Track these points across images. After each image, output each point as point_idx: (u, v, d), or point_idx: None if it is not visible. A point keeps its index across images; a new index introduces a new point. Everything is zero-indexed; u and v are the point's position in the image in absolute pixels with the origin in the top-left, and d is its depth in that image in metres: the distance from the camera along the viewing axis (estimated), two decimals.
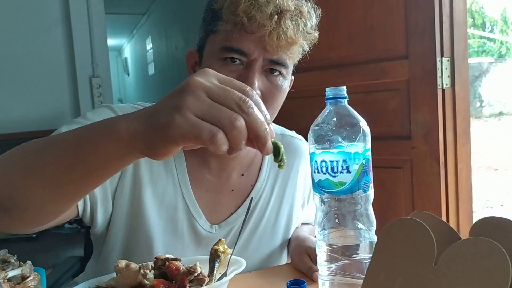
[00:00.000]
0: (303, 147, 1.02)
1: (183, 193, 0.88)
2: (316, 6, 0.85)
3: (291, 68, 0.85)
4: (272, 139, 0.52)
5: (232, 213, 0.92)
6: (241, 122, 0.47)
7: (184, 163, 0.89)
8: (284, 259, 1.00)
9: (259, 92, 0.79)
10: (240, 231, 0.85)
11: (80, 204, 0.80)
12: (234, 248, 0.77)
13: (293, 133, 1.06)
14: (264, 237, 0.95)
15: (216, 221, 0.91)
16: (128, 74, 11.20)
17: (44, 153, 0.58)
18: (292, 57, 0.82)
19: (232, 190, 0.93)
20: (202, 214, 0.89)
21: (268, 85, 0.82)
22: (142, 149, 0.51)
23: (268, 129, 0.50)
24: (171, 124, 0.47)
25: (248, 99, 0.49)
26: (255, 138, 0.49)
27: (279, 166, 0.56)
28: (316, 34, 0.84)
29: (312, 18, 0.83)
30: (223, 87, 0.49)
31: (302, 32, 0.79)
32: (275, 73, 0.82)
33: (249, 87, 0.51)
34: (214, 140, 0.46)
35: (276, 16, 0.76)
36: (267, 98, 0.81)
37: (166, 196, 0.87)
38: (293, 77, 0.91)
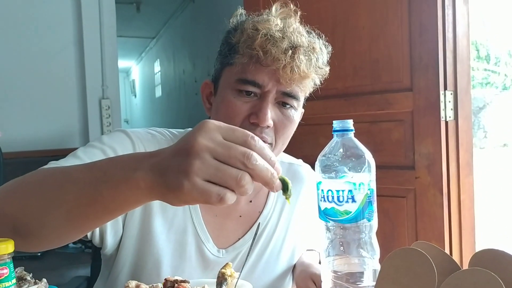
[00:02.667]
0: (309, 175, 1.05)
1: (192, 217, 0.90)
2: (327, 43, 0.89)
3: (302, 100, 0.89)
4: (280, 176, 0.55)
5: (239, 239, 0.94)
6: (246, 180, 0.51)
7: None
8: (289, 285, 1.01)
9: (271, 122, 0.82)
10: (247, 255, 0.87)
11: None
12: (241, 272, 0.79)
13: (299, 161, 1.09)
14: (270, 263, 0.96)
15: (224, 245, 0.93)
16: (135, 96, 11.33)
17: (63, 190, 0.60)
18: (304, 90, 0.86)
19: (240, 216, 0.95)
20: (210, 238, 0.91)
21: (280, 117, 0.85)
22: (160, 198, 0.55)
23: (274, 173, 0.53)
24: (181, 189, 0.50)
25: (251, 153, 0.51)
26: (263, 184, 0.53)
27: (287, 199, 0.59)
28: (327, 69, 0.88)
29: (323, 53, 0.87)
30: (227, 144, 0.51)
31: (314, 67, 0.83)
32: (287, 106, 0.85)
33: (251, 135, 0.53)
34: (222, 200, 0.51)
35: (290, 51, 0.80)
36: (278, 128, 0.84)
37: (176, 219, 0.89)
38: (303, 110, 0.95)
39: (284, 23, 0.83)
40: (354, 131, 0.71)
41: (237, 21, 0.88)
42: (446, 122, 1.75)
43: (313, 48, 0.84)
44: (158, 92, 8.59)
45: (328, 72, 0.88)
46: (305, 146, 1.82)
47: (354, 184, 0.67)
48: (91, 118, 2.87)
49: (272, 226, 0.97)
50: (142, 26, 6.84)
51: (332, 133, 0.72)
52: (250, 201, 0.96)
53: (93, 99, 2.89)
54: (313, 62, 0.83)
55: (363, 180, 0.68)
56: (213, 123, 0.53)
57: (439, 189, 1.73)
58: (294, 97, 0.85)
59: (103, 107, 2.90)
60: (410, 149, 1.81)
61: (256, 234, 0.90)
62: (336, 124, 0.71)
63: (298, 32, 0.83)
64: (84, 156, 0.79)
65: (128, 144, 0.85)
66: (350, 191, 0.67)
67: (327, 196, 0.69)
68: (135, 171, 0.54)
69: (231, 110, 0.83)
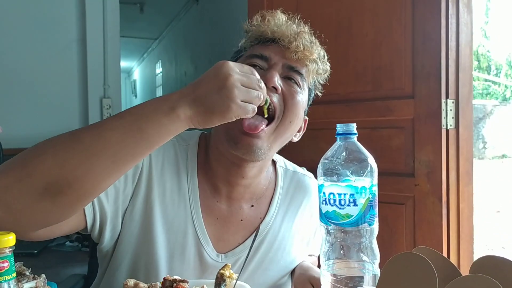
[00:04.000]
0: (312, 185, 1.04)
1: (193, 219, 0.89)
2: (325, 53, 0.95)
3: (306, 88, 0.91)
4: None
5: (239, 244, 0.93)
6: (261, 96, 0.73)
7: (197, 189, 0.90)
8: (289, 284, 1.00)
9: (278, 85, 0.86)
10: (247, 255, 0.87)
11: (89, 218, 0.82)
12: (240, 274, 0.78)
13: (303, 170, 1.08)
14: (269, 270, 0.95)
15: (223, 250, 0.92)
16: (136, 96, 11.34)
17: (104, 139, 0.66)
18: (308, 72, 0.90)
19: (241, 220, 0.94)
20: (210, 242, 0.90)
21: (287, 87, 0.88)
22: (197, 124, 0.70)
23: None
24: (229, 110, 0.68)
25: (260, 79, 0.73)
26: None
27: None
28: (328, 67, 0.94)
29: (325, 56, 0.94)
30: (246, 75, 0.71)
31: (317, 51, 0.90)
32: (292, 81, 0.89)
33: (252, 68, 0.74)
34: (254, 111, 0.72)
35: (295, 29, 0.89)
36: (287, 97, 0.87)
37: (176, 221, 0.88)
38: (306, 118, 0.97)
39: (289, 19, 0.93)
40: (357, 135, 0.71)
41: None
42: (447, 131, 1.75)
43: (315, 42, 0.91)
44: (159, 93, 8.60)
45: (328, 70, 0.94)
46: (306, 151, 1.82)
47: (356, 188, 0.67)
48: (92, 117, 2.87)
49: (273, 234, 0.96)
50: (145, 27, 6.85)
51: (336, 136, 0.72)
52: (252, 206, 0.96)
53: (94, 98, 2.89)
54: (315, 46, 0.90)
55: (365, 184, 0.68)
56: (230, 62, 0.71)
57: (438, 197, 1.73)
58: (299, 71, 0.89)
59: (104, 106, 2.90)
60: (410, 156, 1.81)
61: (256, 235, 0.90)
62: (339, 128, 0.71)
63: (302, 28, 0.92)
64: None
65: None
66: (352, 194, 0.67)
67: (329, 199, 0.69)
68: (175, 106, 0.68)
69: None
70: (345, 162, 0.69)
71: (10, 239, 0.51)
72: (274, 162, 1.02)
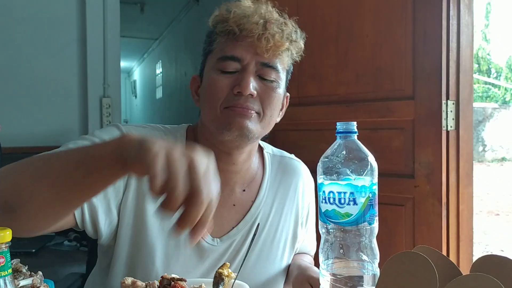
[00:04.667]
0: (301, 168, 1.08)
1: None
2: (301, 29, 0.94)
3: (283, 75, 0.92)
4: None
5: (233, 227, 0.95)
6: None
7: None
8: (284, 274, 1.02)
9: (254, 91, 0.86)
10: (246, 255, 0.87)
11: (77, 214, 0.83)
12: (238, 273, 0.78)
13: (292, 156, 1.11)
14: (263, 251, 0.98)
15: (218, 234, 0.94)
16: (136, 96, 11.34)
17: (50, 162, 0.67)
18: (282, 61, 0.90)
19: (234, 205, 0.97)
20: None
21: (263, 87, 0.88)
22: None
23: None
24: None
25: None
26: None
27: None
28: (302, 44, 0.93)
29: (297, 31, 0.92)
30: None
31: (288, 37, 0.88)
32: (268, 79, 0.89)
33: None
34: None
35: (262, 21, 0.86)
36: (263, 98, 0.88)
37: None
38: (288, 94, 0.98)
39: (255, 4, 0.89)
40: (357, 134, 0.71)
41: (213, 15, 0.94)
42: (447, 132, 1.74)
43: (284, 23, 0.89)
44: (159, 94, 8.60)
45: (303, 47, 0.93)
46: (306, 151, 1.81)
47: (356, 186, 0.67)
48: (91, 116, 2.87)
49: (264, 215, 0.99)
50: (145, 27, 6.85)
51: (336, 135, 0.71)
52: (244, 190, 0.99)
53: (94, 97, 2.89)
54: (286, 32, 0.88)
55: (365, 183, 0.67)
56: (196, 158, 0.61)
57: (438, 199, 1.73)
58: (273, 67, 0.88)
59: (103, 106, 2.90)
60: (410, 157, 1.81)
61: (255, 234, 0.91)
62: (339, 126, 0.71)
63: (269, 10, 0.89)
64: (74, 146, 0.82)
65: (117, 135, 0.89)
66: (351, 193, 0.67)
67: (328, 198, 0.68)
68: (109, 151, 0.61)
69: (215, 87, 0.88)
70: (345, 161, 0.69)
71: (7, 235, 0.51)
72: (261, 149, 1.06)
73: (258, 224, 0.96)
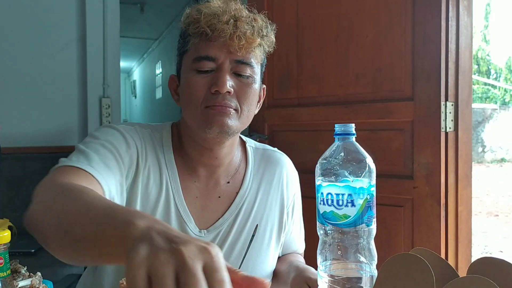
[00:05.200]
0: (284, 160, 1.11)
1: (175, 199, 0.95)
2: (270, 22, 0.96)
3: (258, 69, 0.94)
4: None
5: (218, 218, 0.99)
6: None
7: (176, 172, 0.97)
8: (270, 263, 1.03)
9: (231, 88, 0.88)
10: (245, 255, 0.89)
11: None
12: (242, 262, 0.80)
13: (275, 148, 1.13)
14: (249, 240, 0.98)
15: (205, 226, 0.97)
16: (135, 97, 11.34)
17: (75, 228, 0.58)
18: (256, 56, 0.92)
19: (219, 197, 1.00)
20: (192, 219, 0.96)
21: (239, 84, 0.91)
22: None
23: None
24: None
25: None
26: None
27: None
28: (273, 38, 0.95)
29: (267, 25, 0.94)
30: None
31: (259, 33, 0.90)
32: (244, 76, 0.91)
33: None
34: None
35: (232, 21, 0.88)
36: (240, 95, 0.90)
37: (160, 202, 0.94)
38: (264, 86, 1.01)
39: (225, 4, 0.91)
40: (355, 135, 0.71)
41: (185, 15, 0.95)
42: (446, 133, 1.75)
43: (254, 19, 0.91)
44: (159, 94, 8.60)
45: (274, 40, 0.95)
46: (304, 152, 1.82)
47: (354, 188, 0.67)
48: (91, 116, 2.87)
49: (249, 205, 1.02)
50: (145, 27, 6.85)
51: (334, 136, 0.71)
52: (228, 182, 1.02)
53: (94, 98, 2.88)
54: (256, 29, 0.90)
55: (363, 185, 0.68)
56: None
57: (436, 200, 1.73)
58: (247, 63, 0.91)
59: (103, 106, 2.89)
60: (409, 158, 1.81)
61: (253, 235, 0.92)
62: (338, 128, 0.71)
63: (238, 8, 0.91)
64: (88, 149, 0.85)
65: (118, 136, 0.92)
66: (349, 195, 0.67)
67: (327, 200, 0.68)
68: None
69: (193, 87, 0.90)
70: (343, 163, 0.69)
71: (5, 236, 0.51)
72: (244, 143, 1.09)
73: (257, 225, 0.97)
